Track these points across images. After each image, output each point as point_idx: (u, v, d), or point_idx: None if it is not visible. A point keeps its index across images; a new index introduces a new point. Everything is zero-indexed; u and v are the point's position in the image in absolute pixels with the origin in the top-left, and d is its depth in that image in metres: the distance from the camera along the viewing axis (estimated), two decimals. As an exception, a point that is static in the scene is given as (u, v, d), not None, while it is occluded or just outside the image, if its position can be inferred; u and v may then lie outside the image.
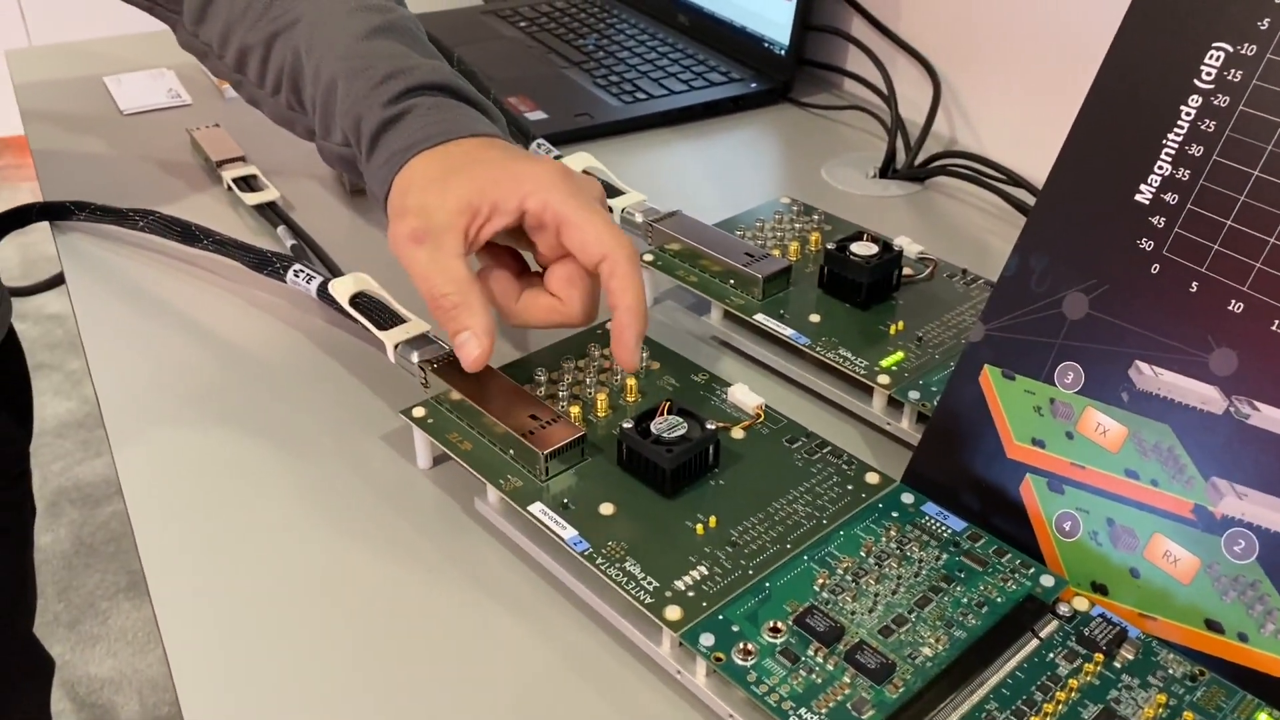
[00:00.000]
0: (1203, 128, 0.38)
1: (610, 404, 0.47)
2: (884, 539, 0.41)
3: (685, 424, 0.43)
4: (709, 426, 0.43)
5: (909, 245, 0.58)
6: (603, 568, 0.39)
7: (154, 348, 0.56)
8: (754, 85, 0.85)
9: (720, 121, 0.83)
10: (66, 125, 0.80)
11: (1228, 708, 0.35)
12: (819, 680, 0.35)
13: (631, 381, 0.48)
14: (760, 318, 0.53)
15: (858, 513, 0.42)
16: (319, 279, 0.54)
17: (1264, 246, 0.37)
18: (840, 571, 0.39)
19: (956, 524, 0.41)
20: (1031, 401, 0.42)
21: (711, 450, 0.43)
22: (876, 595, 0.38)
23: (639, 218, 0.59)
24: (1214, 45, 0.38)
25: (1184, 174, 0.39)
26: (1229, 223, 0.38)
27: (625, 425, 0.43)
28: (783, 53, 0.84)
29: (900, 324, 0.53)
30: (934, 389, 0.48)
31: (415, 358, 0.48)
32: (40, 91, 0.86)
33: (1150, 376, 0.39)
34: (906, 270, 0.56)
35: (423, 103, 0.50)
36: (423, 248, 0.45)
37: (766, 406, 0.47)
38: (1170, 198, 0.39)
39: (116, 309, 0.59)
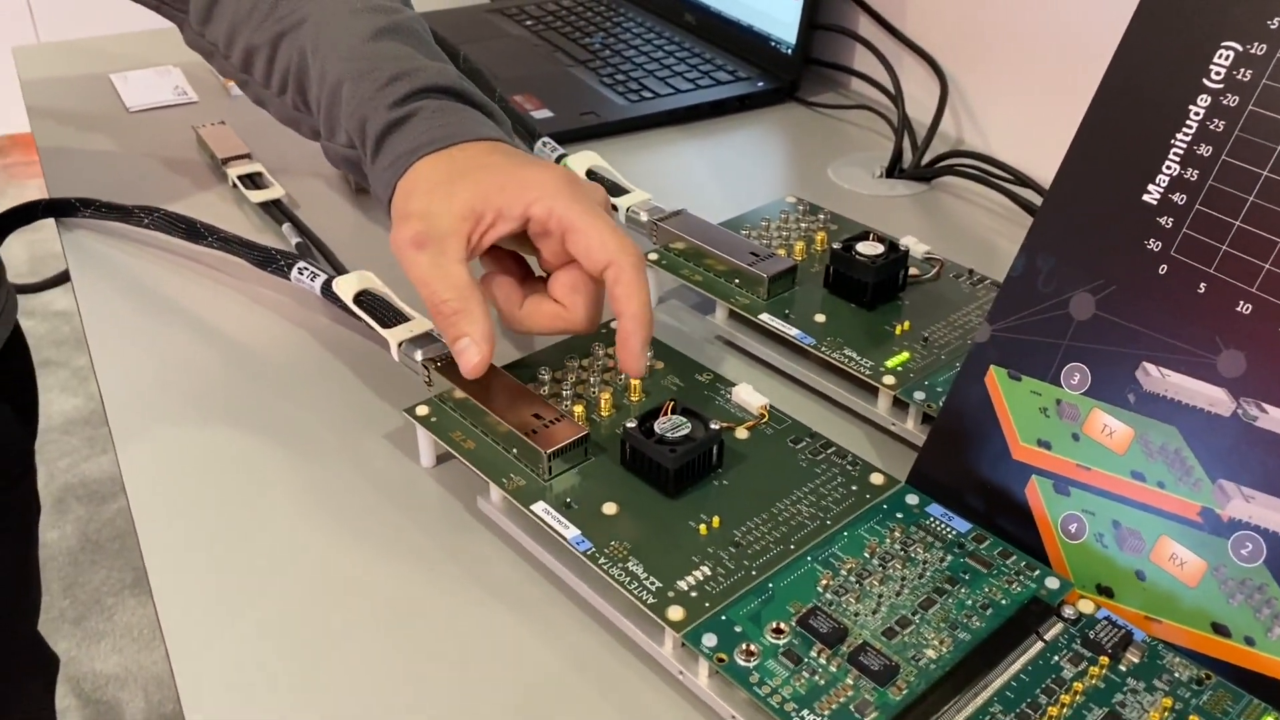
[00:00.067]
0: (1211, 127, 0.38)
1: (614, 403, 0.47)
2: (888, 540, 0.41)
3: (689, 424, 0.43)
4: (713, 426, 0.43)
5: (915, 245, 0.57)
6: (605, 567, 0.39)
7: (158, 345, 0.56)
8: (760, 84, 0.84)
9: (726, 120, 0.82)
10: (73, 122, 0.80)
11: (1234, 712, 0.35)
12: (822, 682, 0.35)
13: (635, 381, 0.47)
14: (765, 317, 0.53)
15: (862, 513, 0.42)
16: (323, 277, 0.54)
17: (1273, 248, 0.36)
18: (844, 572, 0.39)
19: (961, 525, 0.41)
20: (1038, 402, 0.42)
21: (715, 450, 0.43)
22: (880, 596, 0.38)
23: (644, 216, 0.59)
24: (1223, 44, 0.38)
25: (1192, 174, 0.38)
26: (1238, 223, 0.37)
27: (629, 425, 0.43)
28: (789, 52, 0.84)
29: (906, 324, 0.52)
30: (940, 389, 0.48)
31: (419, 356, 0.48)
32: (47, 88, 0.86)
33: (1157, 378, 0.39)
34: (912, 270, 0.56)
35: (428, 105, 0.50)
36: (424, 253, 0.45)
37: (771, 406, 0.47)
38: (1178, 198, 0.39)
39: (121, 306, 0.59)
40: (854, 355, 0.50)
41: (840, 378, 0.51)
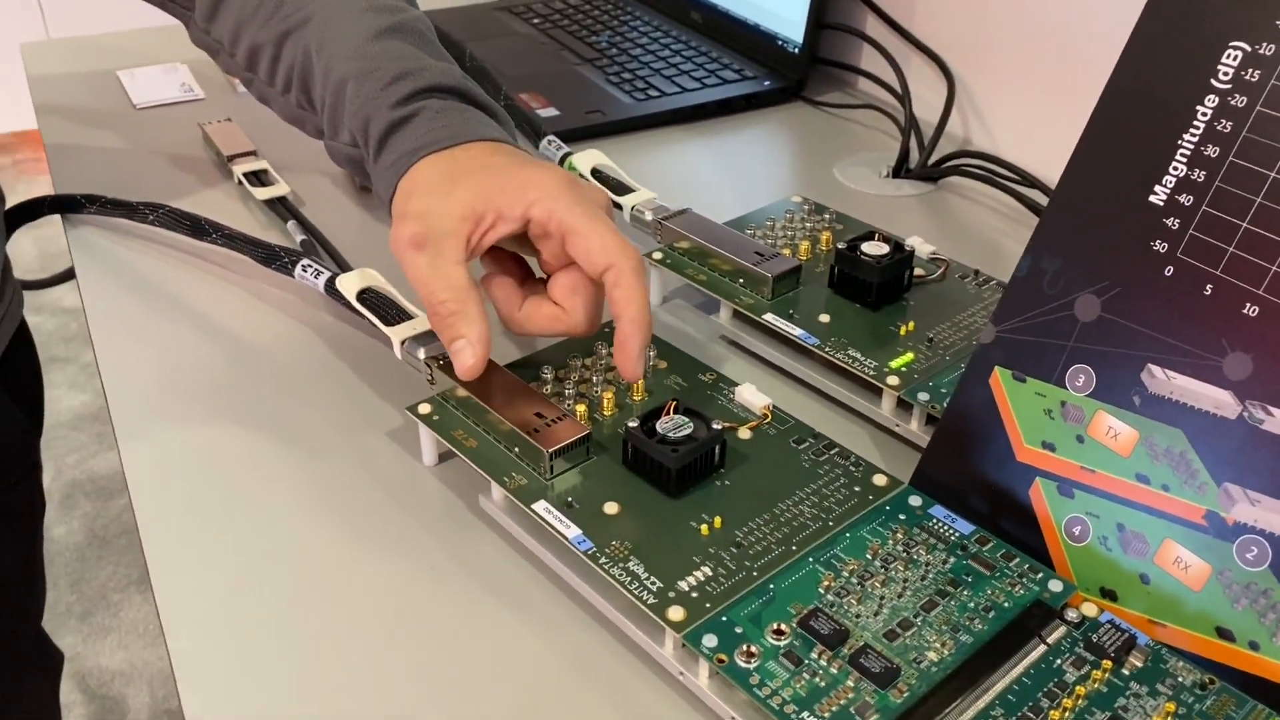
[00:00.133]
0: (1219, 128, 0.38)
1: (617, 403, 0.47)
2: (890, 541, 0.40)
3: (691, 424, 0.43)
4: (715, 426, 0.43)
5: (921, 245, 0.57)
6: (606, 567, 0.39)
7: (162, 342, 0.56)
8: (767, 83, 0.84)
9: (733, 119, 0.82)
10: (80, 119, 0.80)
11: (1238, 717, 0.34)
12: (822, 684, 0.35)
13: (639, 380, 0.47)
14: (769, 317, 0.53)
15: (864, 515, 0.42)
16: (327, 274, 0.54)
17: (1280, 249, 0.36)
18: (846, 574, 0.39)
19: (964, 527, 0.41)
20: (1042, 404, 0.41)
21: (717, 450, 0.43)
22: (882, 598, 0.38)
23: (649, 215, 0.59)
24: (1231, 44, 0.37)
25: (1199, 175, 0.38)
26: (1245, 225, 0.37)
27: (631, 424, 0.43)
28: (796, 51, 0.84)
29: (911, 325, 0.52)
30: (944, 391, 0.48)
31: (422, 354, 0.48)
32: (54, 85, 0.86)
33: (1163, 380, 0.38)
34: (918, 271, 0.56)
35: (431, 105, 0.50)
36: (423, 253, 0.45)
37: (774, 407, 0.47)
38: (1185, 199, 0.38)
39: (126, 302, 0.59)
40: (858, 356, 0.50)
41: (844, 378, 0.51)
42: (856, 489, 0.43)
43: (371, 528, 0.45)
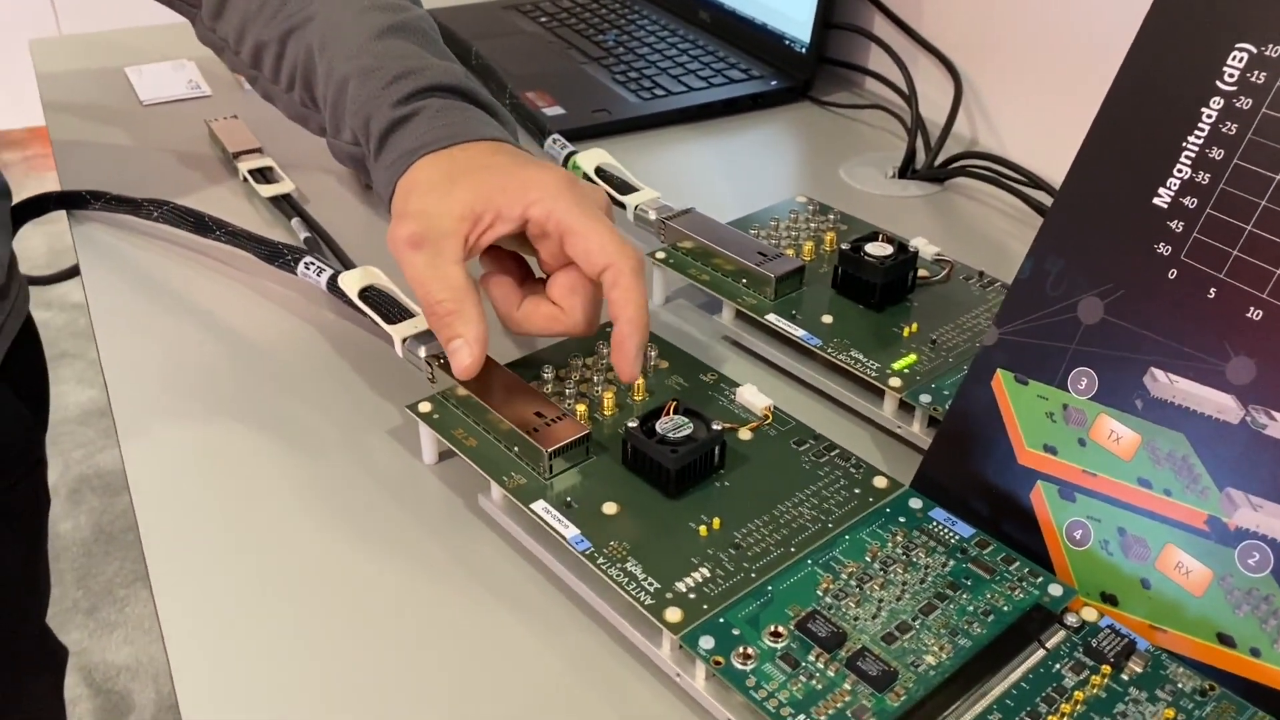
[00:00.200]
0: (1224, 130, 0.37)
1: (617, 402, 0.47)
2: (890, 544, 0.40)
3: (691, 424, 0.43)
4: (715, 427, 0.43)
5: (925, 246, 0.57)
6: (604, 568, 0.39)
7: (164, 339, 0.56)
8: (774, 83, 0.84)
9: (739, 119, 0.82)
10: (87, 115, 0.80)
11: (1238, 724, 0.34)
12: (819, 686, 0.35)
13: (639, 381, 0.47)
14: (772, 318, 0.53)
15: (864, 517, 0.41)
16: (329, 272, 0.54)
17: (1284, 253, 0.36)
18: (844, 576, 0.39)
19: (964, 530, 0.41)
20: (1044, 407, 0.41)
21: (717, 451, 0.43)
22: (880, 601, 0.38)
23: (652, 215, 0.59)
24: (1237, 46, 0.37)
25: (1204, 177, 0.38)
26: (1249, 228, 0.37)
27: (630, 424, 0.43)
28: (804, 51, 0.84)
29: (914, 326, 0.52)
30: (946, 393, 0.48)
31: (422, 352, 0.48)
32: (62, 82, 0.86)
33: (1165, 384, 0.38)
34: (922, 272, 0.56)
35: (432, 104, 0.50)
36: (420, 253, 0.45)
37: (775, 408, 0.47)
38: (1189, 202, 0.38)
39: (129, 299, 0.59)
40: (860, 357, 0.50)
41: (846, 379, 0.51)
42: (857, 491, 0.43)
43: (371, 526, 0.45)
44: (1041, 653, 0.36)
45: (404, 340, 0.49)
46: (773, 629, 0.37)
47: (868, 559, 0.40)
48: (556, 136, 0.68)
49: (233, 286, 0.60)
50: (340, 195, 0.69)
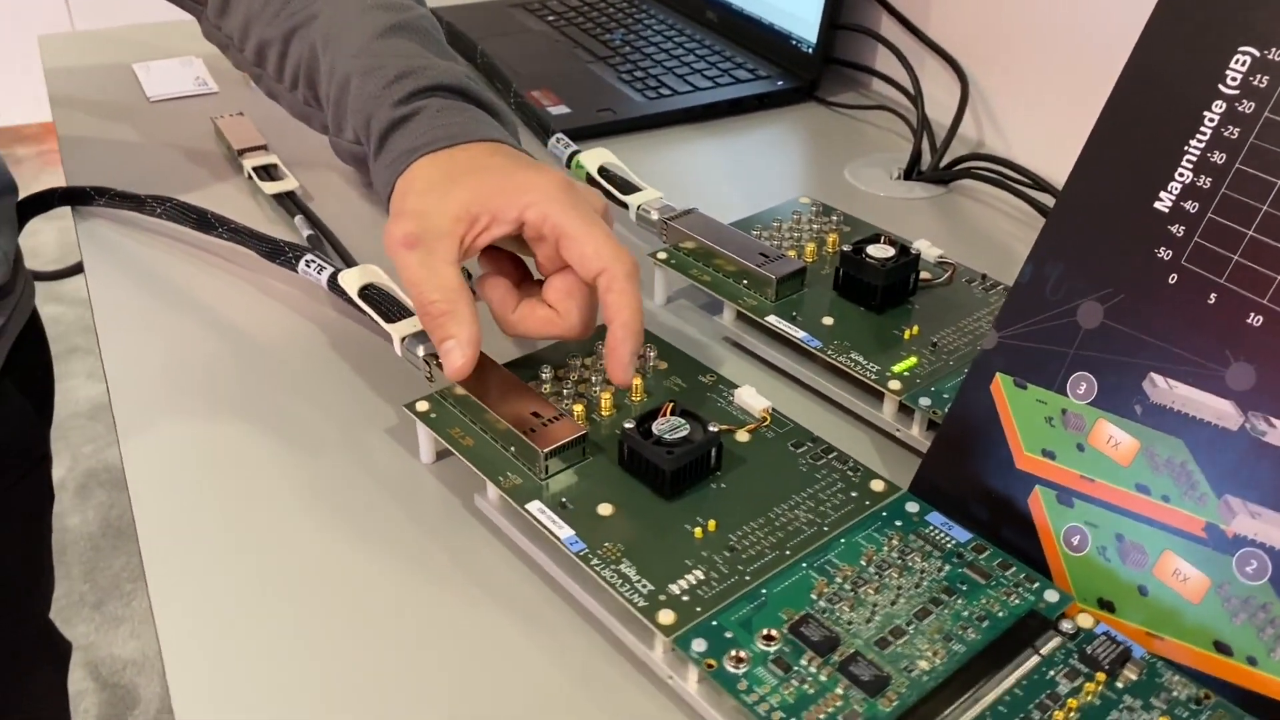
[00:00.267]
0: (1226, 134, 0.37)
1: (615, 403, 0.47)
2: (885, 548, 0.40)
3: (687, 425, 0.43)
4: (711, 429, 0.43)
5: (928, 249, 0.57)
6: (598, 569, 0.39)
7: (165, 336, 0.56)
8: (780, 83, 0.84)
9: (745, 119, 0.82)
10: (94, 111, 0.80)
11: (1233, 733, 0.34)
12: (811, 691, 0.35)
13: (638, 381, 0.47)
14: (772, 319, 0.52)
15: (860, 520, 0.41)
16: (330, 270, 0.54)
17: (1285, 258, 0.35)
18: (839, 580, 0.39)
19: (961, 535, 0.41)
20: (1043, 411, 0.41)
21: (713, 453, 0.43)
22: (875, 606, 0.38)
23: (655, 215, 0.58)
24: (1240, 49, 0.37)
25: (1205, 182, 0.37)
26: (1250, 233, 0.36)
27: (627, 425, 0.43)
28: (810, 51, 0.83)
29: (915, 329, 0.52)
30: (946, 396, 0.47)
31: (421, 351, 0.48)
32: (70, 77, 0.86)
33: (1164, 389, 0.38)
34: (924, 274, 0.55)
35: (432, 104, 0.50)
36: (415, 253, 0.45)
37: (773, 409, 0.46)
38: (1190, 206, 0.38)
39: (131, 295, 0.59)
40: (860, 359, 0.50)
41: (846, 382, 0.51)
42: (853, 494, 0.42)
43: (367, 525, 0.45)
44: (1036, 659, 0.36)
45: (403, 339, 0.49)
46: (766, 632, 0.36)
47: (863, 563, 0.39)
48: (560, 136, 0.68)
49: (234, 283, 0.60)
50: (344, 193, 0.69)
